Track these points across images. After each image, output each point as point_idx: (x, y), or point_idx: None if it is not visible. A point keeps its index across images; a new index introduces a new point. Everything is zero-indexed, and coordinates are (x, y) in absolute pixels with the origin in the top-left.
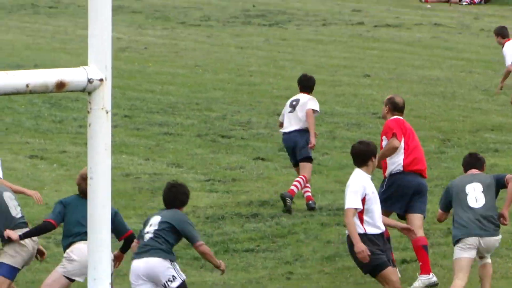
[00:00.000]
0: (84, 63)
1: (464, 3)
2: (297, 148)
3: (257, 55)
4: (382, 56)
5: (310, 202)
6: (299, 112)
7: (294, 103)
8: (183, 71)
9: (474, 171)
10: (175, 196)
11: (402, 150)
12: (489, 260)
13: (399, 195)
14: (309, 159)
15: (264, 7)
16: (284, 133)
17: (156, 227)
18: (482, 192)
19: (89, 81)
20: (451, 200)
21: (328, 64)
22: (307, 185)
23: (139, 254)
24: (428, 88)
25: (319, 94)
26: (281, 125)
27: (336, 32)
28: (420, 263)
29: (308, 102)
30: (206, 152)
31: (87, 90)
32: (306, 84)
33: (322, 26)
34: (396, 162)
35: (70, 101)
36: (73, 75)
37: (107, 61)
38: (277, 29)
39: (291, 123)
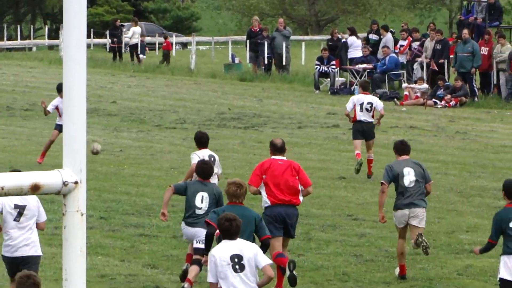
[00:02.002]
0: (59, 166)
1: (439, 106)
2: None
3: (233, 157)
4: None
5: None
6: None
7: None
8: (159, 173)
9: (405, 156)
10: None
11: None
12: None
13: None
14: None
15: (240, 110)
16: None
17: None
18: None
19: (64, 183)
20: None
21: (303, 167)
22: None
23: None
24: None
25: None
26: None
27: (312, 135)
28: None
29: None
30: (182, 254)
31: (62, 193)
32: None
33: (298, 128)
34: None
35: (45, 203)
36: (48, 178)
37: (82, 164)
38: (253, 131)
39: None
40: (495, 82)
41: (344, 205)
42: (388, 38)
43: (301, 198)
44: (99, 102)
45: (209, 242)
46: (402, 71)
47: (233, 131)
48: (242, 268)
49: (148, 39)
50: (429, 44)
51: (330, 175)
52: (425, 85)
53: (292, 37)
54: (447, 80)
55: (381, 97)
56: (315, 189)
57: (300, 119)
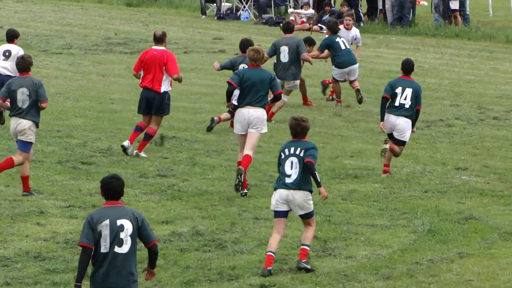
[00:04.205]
0: None
1: (325, 31)
2: None
3: (119, 82)
4: None
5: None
6: None
7: None
8: None
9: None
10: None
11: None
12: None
13: None
14: None
15: (126, 35)
16: None
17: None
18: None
19: None
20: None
21: (189, 92)
22: None
23: None
24: (284, 112)
25: (180, 120)
26: None
27: (198, 60)
28: None
29: None
30: (67, 179)
31: None
32: None
33: (184, 54)
34: None
35: None
36: None
37: None
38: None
39: None
40: (381, 7)
41: (230, 130)
42: None
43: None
44: None
45: (229, 97)
46: None
47: (119, 56)
48: None
49: None
50: None
51: (216, 100)
52: (311, 11)
53: None
54: (333, 5)
55: (267, 23)
56: (200, 114)
57: (186, 44)
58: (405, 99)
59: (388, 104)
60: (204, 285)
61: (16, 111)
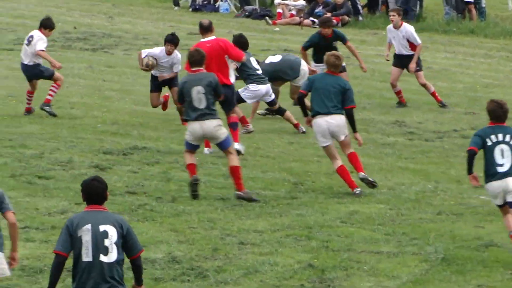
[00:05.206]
0: None
1: (317, 26)
2: None
3: (79, 84)
4: None
5: None
6: None
7: None
8: None
9: None
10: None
11: None
12: None
13: None
14: None
15: (87, 29)
16: None
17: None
18: None
19: None
20: None
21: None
22: None
23: None
24: (276, 123)
25: (151, 128)
26: None
27: None
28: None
29: None
30: (21, 196)
31: None
32: None
33: None
34: None
35: None
36: None
37: None
38: (102, 54)
39: None
40: None
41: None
42: None
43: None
44: None
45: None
46: None
47: (79, 54)
48: None
49: None
50: None
51: None
52: (302, 2)
53: None
54: None
55: (251, 15)
56: (174, 121)
57: (157, 40)
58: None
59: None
60: None
61: None
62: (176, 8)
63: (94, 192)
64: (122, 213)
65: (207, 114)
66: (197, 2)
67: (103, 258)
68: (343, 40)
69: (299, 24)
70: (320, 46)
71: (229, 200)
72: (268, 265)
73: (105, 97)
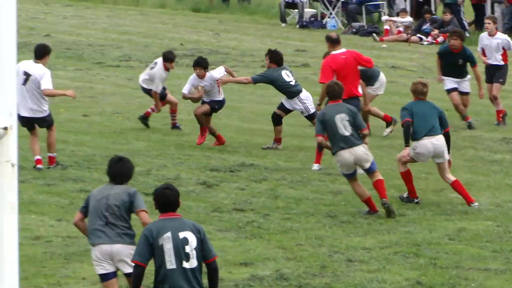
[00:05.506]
0: None
1: (425, 43)
2: None
3: (187, 101)
4: None
5: None
6: None
7: None
8: (100, 118)
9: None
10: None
11: None
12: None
13: None
14: None
15: (193, 45)
16: None
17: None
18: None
19: None
20: None
21: (268, 112)
22: None
23: None
24: (385, 141)
25: (259, 145)
26: None
27: None
28: None
29: None
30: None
31: None
32: None
33: (261, 68)
34: None
35: None
36: None
37: (11, 106)
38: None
39: None
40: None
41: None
42: None
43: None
44: (30, 35)
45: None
46: (381, 2)
47: (186, 70)
48: None
49: None
50: None
51: (300, 123)
52: (409, 18)
53: None
54: (434, 12)
55: (358, 32)
56: (284, 137)
57: (263, 57)
58: None
59: None
60: None
61: None
62: (283, 24)
63: (167, 201)
64: (229, 230)
65: (354, 139)
66: (304, 19)
67: (185, 264)
68: (472, 63)
69: (407, 40)
70: (447, 60)
71: (336, 217)
72: (376, 282)
73: (215, 114)
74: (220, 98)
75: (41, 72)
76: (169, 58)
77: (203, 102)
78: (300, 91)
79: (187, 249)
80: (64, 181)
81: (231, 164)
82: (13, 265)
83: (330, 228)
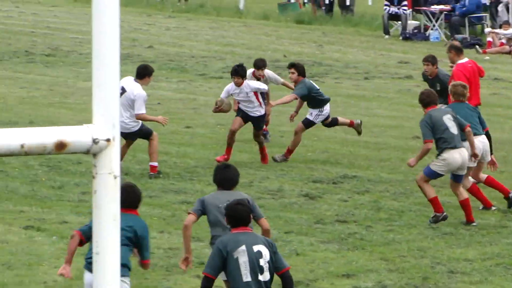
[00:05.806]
0: (88, 120)
1: None
2: None
3: (288, 112)
4: None
5: None
6: None
7: None
8: (203, 130)
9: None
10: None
11: None
12: None
13: None
14: None
15: (297, 57)
16: None
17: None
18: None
19: (94, 141)
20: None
21: (371, 124)
22: None
23: None
24: None
25: (362, 157)
26: None
27: (381, 87)
28: None
29: None
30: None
31: (92, 152)
32: None
33: (364, 79)
34: None
35: (72, 164)
36: (75, 134)
37: (115, 118)
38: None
39: None
40: None
41: (419, 168)
42: None
43: None
44: (133, 46)
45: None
46: (484, 14)
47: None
48: None
49: None
50: None
51: (402, 134)
52: None
53: None
54: None
55: (461, 44)
56: (384, 150)
57: (367, 68)
58: None
59: None
60: None
61: None
62: (386, 36)
63: (239, 216)
64: (331, 242)
65: (460, 141)
66: (407, 31)
67: (260, 277)
68: None
69: (509, 52)
70: None
71: (439, 228)
72: None
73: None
74: (257, 114)
75: (135, 92)
76: (256, 65)
77: (239, 109)
78: (329, 99)
79: (261, 262)
80: (166, 193)
81: (334, 176)
82: (115, 276)
83: (432, 240)
